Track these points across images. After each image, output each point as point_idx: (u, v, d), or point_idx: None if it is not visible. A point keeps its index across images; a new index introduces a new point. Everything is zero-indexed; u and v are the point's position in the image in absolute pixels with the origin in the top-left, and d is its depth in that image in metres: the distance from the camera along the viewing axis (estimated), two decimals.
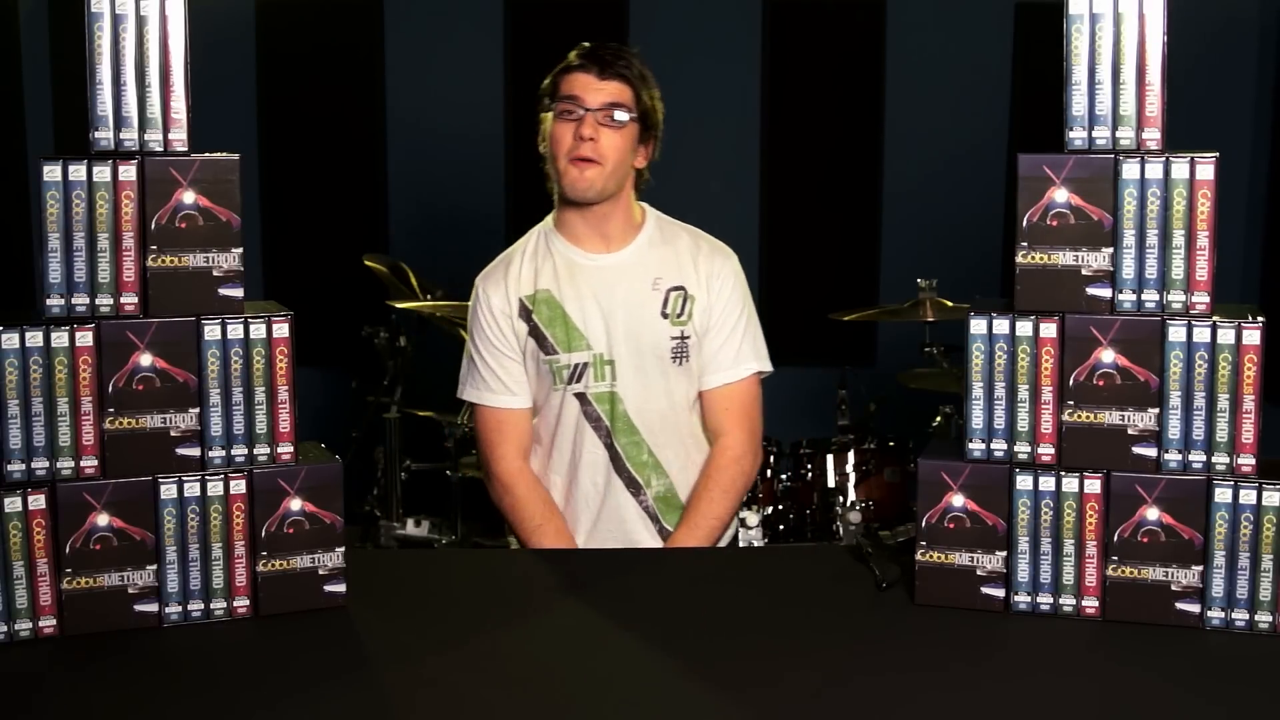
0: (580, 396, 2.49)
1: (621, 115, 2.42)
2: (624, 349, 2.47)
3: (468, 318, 2.59)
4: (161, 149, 1.97)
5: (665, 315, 2.47)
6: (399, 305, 4.36)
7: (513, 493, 2.52)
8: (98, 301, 1.96)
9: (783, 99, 5.89)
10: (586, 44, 2.49)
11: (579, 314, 2.47)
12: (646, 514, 2.51)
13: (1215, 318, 1.98)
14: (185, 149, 1.98)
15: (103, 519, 1.95)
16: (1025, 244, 2.03)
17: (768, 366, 2.57)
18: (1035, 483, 2.03)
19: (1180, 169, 1.98)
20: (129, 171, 1.95)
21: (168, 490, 1.97)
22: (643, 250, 2.52)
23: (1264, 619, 1.96)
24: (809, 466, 4.17)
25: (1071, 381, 2.02)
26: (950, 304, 4.22)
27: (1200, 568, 1.98)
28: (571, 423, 2.50)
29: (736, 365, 2.54)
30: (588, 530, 2.54)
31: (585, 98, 2.42)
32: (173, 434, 1.99)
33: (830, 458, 4.20)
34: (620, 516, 2.49)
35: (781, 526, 4.13)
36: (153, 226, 1.97)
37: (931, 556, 2.08)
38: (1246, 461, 1.98)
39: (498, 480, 2.55)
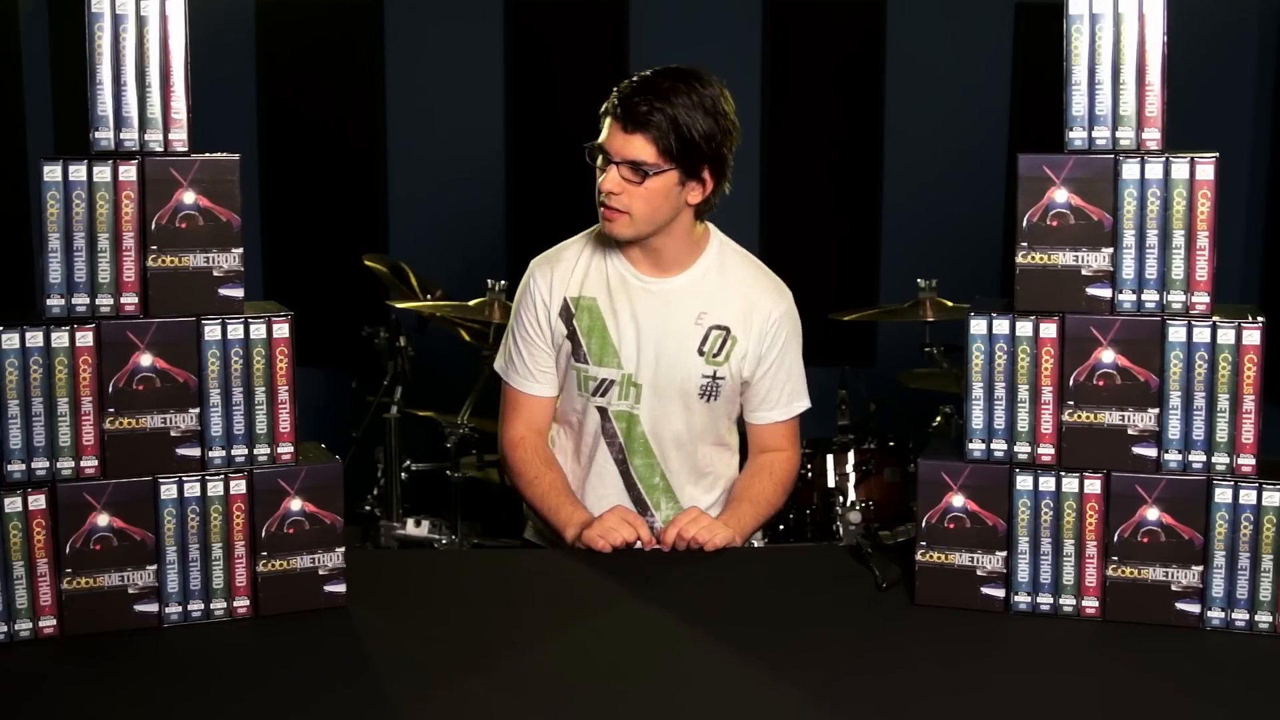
0: (602, 411, 2.49)
1: (643, 172, 2.34)
2: (651, 375, 2.46)
3: (516, 293, 2.59)
4: (161, 149, 1.97)
5: (701, 353, 2.45)
6: (399, 305, 4.36)
7: (516, 452, 2.55)
8: (98, 301, 1.96)
9: (783, 99, 5.89)
10: (634, 80, 2.37)
11: (616, 331, 2.46)
12: (655, 538, 2.49)
13: (1215, 318, 1.98)
14: (185, 149, 1.98)
15: (103, 519, 1.95)
16: (1025, 244, 2.03)
17: (809, 402, 2.60)
18: (1035, 483, 2.03)
19: (1180, 169, 1.98)
20: (129, 171, 1.95)
21: (168, 490, 1.97)
22: (695, 281, 2.48)
23: (1264, 619, 1.96)
24: (809, 467, 4.16)
25: (1071, 381, 2.02)
26: (950, 304, 4.22)
27: (1200, 568, 1.98)
28: (591, 433, 2.51)
29: (790, 405, 2.56)
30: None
31: (610, 148, 2.37)
32: (173, 434, 1.99)
33: (830, 458, 4.19)
34: None
35: (781, 526, 4.12)
36: (153, 226, 1.97)
37: (931, 556, 2.08)
38: (1246, 461, 1.98)
39: (505, 442, 2.58)
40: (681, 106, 2.33)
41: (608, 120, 2.39)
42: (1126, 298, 2.01)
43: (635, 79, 2.38)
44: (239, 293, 2.01)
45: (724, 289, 2.49)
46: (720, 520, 2.44)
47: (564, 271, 2.51)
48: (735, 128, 2.44)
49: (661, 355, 2.45)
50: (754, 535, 2.57)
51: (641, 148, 2.34)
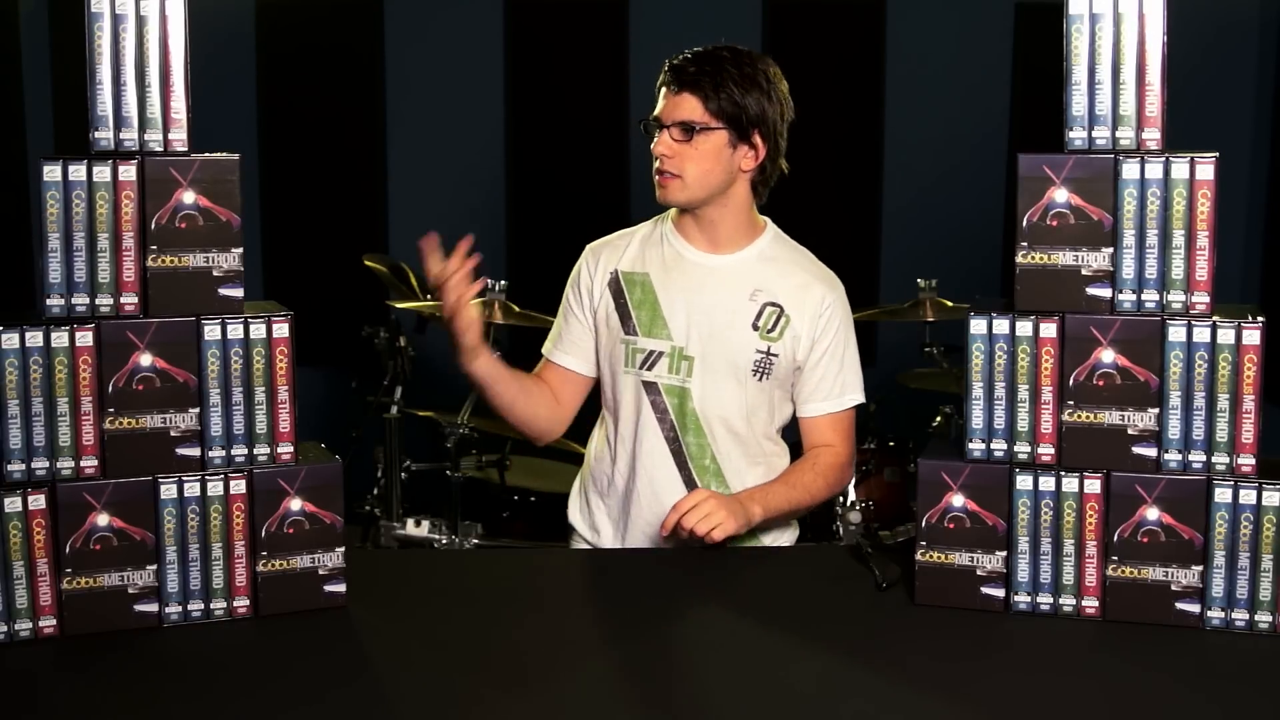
0: (649, 386, 2.48)
1: (691, 130, 2.40)
2: (704, 349, 2.46)
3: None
4: (161, 149, 1.97)
5: (756, 328, 2.45)
6: (399, 305, 4.36)
7: None
8: (98, 301, 1.96)
9: None
10: (689, 52, 2.45)
11: (669, 303, 2.47)
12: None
13: (1215, 318, 1.98)
14: (185, 149, 1.98)
15: (103, 519, 1.95)
16: (1025, 244, 2.03)
17: (864, 397, 2.57)
18: (1035, 483, 2.03)
19: (1180, 169, 1.98)
20: (129, 171, 1.95)
21: (168, 490, 1.97)
22: (750, 260, 2.51)
23: (1264, 619, 1.96)
24: None
25: (1071, 381, 2.02)
26: (950, 304, 4.22)
27: (1200, 568, 1.98)
28: (640, 411, 2.50)
29: (841, 396, 2.54)
30: (643, 528, 2.50)
31: (662, 114, 2.44)
32: (173, 434, 1.99)
33: None
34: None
35: None
36: (153, 226, 1.97)
37: (931, 556, 2.08)
38: (1246, 461, 1.98)
39: None
40: (729, 73, 2.42)
41: (661, 91, 2.45)
42: (1126, 298, 2.01)
43: (687, 50, 2.46)
44: (239, 293, 2.01)
45: (778, 269, 2.51)
46: (737, 499, 2.36)
47: (615, 249, 2.56)
48: (786, 101, 2.52)
49: (715, 329, 2.46)
50: (787, 525, 2.55)
51: (691, 107, 2.40)
